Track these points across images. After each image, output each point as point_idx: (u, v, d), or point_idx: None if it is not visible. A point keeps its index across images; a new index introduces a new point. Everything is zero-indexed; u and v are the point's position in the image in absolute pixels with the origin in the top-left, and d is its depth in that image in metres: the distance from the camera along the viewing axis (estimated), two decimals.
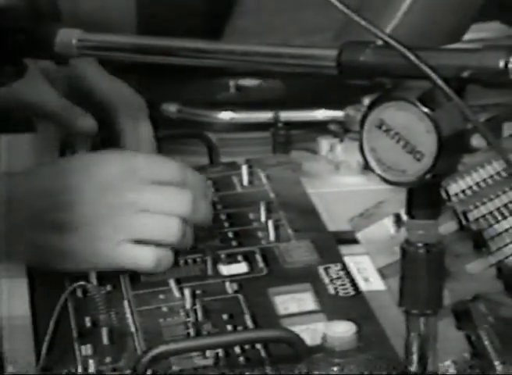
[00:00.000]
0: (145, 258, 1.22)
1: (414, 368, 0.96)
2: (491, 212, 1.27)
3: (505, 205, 1.27)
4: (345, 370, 0.97)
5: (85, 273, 1.21)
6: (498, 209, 1.27)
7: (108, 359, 1.10)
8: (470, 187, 1.30)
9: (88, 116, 1.48)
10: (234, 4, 1.87)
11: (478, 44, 1.56)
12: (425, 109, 0.90)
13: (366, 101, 1.45)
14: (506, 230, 1.24)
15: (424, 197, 0.94)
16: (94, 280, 1.20)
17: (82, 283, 1.18)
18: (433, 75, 0.91)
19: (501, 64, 0.92)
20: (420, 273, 0.95)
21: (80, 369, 1.09)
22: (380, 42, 0.96)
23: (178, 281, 1.20)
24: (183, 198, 1.24)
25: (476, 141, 0.98)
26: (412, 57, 0.93)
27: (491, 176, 1.31)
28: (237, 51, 1.12)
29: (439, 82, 0.91)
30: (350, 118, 1.48)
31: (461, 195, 1.29)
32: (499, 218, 1.26)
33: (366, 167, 0.96)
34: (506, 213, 1.26)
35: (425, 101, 0.91)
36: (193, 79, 1.68)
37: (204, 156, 1.50)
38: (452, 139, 0.91)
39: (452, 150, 0.92)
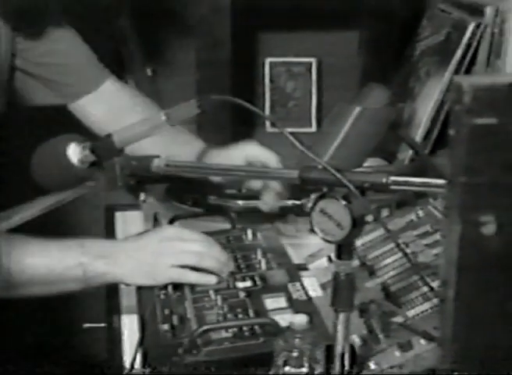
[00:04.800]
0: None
1: (337, 340, 0.93)
2: (377, 256, 1.24)
3: (384, 253, 1.25)
4: (303, 341, 0.94)
5: (166, 285, 1.16)
6: (381, 255, 1.25)
7: (177, 333, 1.07)
8: (366, 242, 1.28)
9: None
10: None
11: (370, 169, 1.56)
12: (344, 203, 0.88)
13: (313, 196, 1.43)
14: (385, 266, 1.22)
15: (344, 248, 0.91)
16: (170, 288, 1.16)
17: (166, 292, 1.15)
18: (349, 185, 0.89)
19: (384, 180, 0.90)
20: (342, 288, 0.91)
21: (159, 337, 1.06)
22: (321, 167, 0.94)
23: (214, 291, 1.15)
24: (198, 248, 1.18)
25: (369, 217, 0.97)
26: (338, 175, 0.91)
27: (377, 237, 1.29)
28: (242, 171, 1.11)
29: (352, 188, 0.89)
30: (305, 206, 1.46)
31: (361, 246, 1.27)
32: (381, 259, 1.24)
33: (313, 232, 0.93)
34: (386, 256, 1.24)
35: (345, 199, 0.89)
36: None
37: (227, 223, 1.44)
38: (359, 219, 0.89)
39: (358, 224, 0.89)
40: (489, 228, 0.53)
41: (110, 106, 1.39)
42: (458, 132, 0.53)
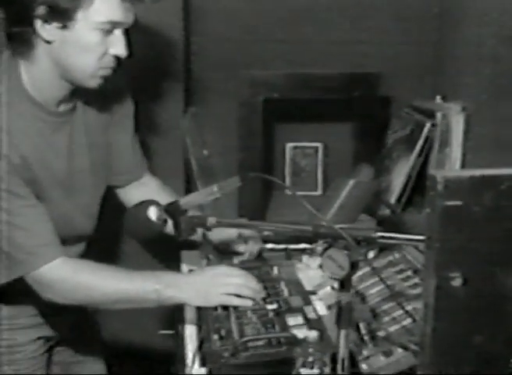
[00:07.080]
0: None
1: (339, 348, 0.88)
2: (366, 287, 1.19)
3: (371, 284, 1.20)
4: (315, 350, 0.90)
5: (216, 307, 1.11)
6: (369, 285, 1.19)
7: (224, 342, 1.02)
8: (358, 276, 1.21)
9: None
10: None
11: (362, 224, 1.52)
12: (346, 252, 0.85)
13: (320, 243, 1.37)
14: (372, 294, 1.17)
15: (344, 283, 0.87)
16: (219, 309, 1.11)
17: (217, 311, 1.11)
18: (348, 238, 0.86)
19: (373, 235, 0.87)
20: (343, 312, 0.87)
21: (212, 344, 1.01)
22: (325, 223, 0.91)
23: (251, 311, 1.10)
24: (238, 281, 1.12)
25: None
26: (340, 231, 0.89)
27: (366, 273, 1.23)
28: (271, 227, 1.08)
29: (350, 241, 0.86)
30: (316, 249, 1.40)
31: (355, 279, 1.20)
32: (369, 288, 1.19)
33: (322, 269, 0.89)
34: (372, 287, 1.19)
35: (345, 248, 0.85)
36: None
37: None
38: (354, 263, 0.85)
39: (355, 267, 0.86)
40: (457, 281, 0.50)
41: (145, 192, 1.27)
42: (433, 210, 0.50)
